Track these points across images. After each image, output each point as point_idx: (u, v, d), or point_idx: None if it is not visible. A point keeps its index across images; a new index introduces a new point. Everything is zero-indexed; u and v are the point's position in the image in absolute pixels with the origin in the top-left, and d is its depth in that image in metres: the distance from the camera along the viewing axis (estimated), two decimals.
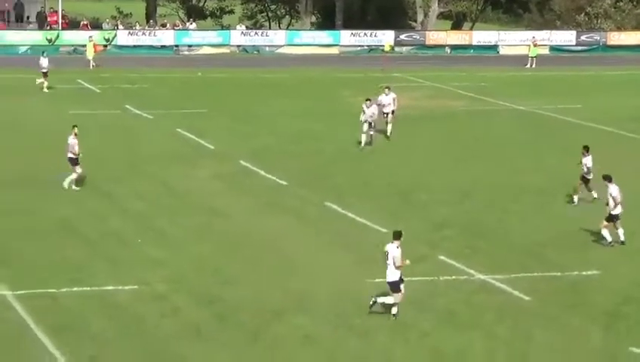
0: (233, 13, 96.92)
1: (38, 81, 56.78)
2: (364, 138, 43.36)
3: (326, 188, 36.89)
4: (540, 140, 46.40)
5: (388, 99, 45.57)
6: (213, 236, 30.99)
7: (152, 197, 35.35)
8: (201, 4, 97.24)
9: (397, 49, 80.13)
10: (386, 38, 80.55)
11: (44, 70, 56.79)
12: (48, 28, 76.74)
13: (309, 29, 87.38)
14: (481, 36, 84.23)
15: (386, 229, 31.68)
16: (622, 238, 30.60)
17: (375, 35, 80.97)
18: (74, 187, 35.59)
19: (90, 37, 69.48)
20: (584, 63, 76.50)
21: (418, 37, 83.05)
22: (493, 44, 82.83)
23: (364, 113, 43.27)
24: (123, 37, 76.77)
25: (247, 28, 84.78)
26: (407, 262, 24.48)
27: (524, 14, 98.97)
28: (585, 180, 34.88)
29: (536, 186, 37.20)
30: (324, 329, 23.88)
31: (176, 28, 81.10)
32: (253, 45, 79.24)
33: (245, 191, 36.64)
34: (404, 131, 46.26)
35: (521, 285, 27.07)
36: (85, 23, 79.98)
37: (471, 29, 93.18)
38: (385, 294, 24.56)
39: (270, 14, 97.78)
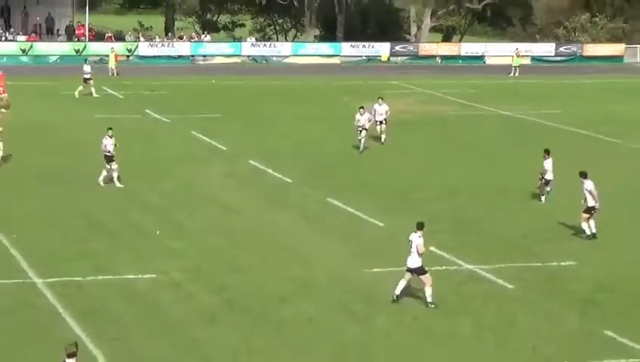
0: (244, 26, 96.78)
1: (78, 89, 56.40)
2: (361, 143, 42.81)
3: (328, 185, 36.80)
4: (524, 143, 46.26)
5: (381, 109, 44.69)
6: (225, 229, 30.91)
7: (169, 193, 35.27)
8: (214, 19, 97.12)
9: (392, 59, 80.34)
10: (382, 49, 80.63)
11: (87, 76, 56.65)
12: (76, 40, 76.66)
13: (313, 41, 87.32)
14: (469, 47, 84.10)
15: (382, 223, 31.70)
16: (594, 231, 30.49)
17: (373, 47, 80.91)
18: (118, 184, 35.42)
19: (112, 48, 69.51)
20: (563, 72, 76.44)
21: (412, 48, 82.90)
22: (480, 54, 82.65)
23: (358, 120, 42.60)
24: (144, 48, 76.72)
25: (256, 40, 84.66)
26: (431, 248, 24.37)
27: (508, 28, 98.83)
28: (546, 181, 34.64)
29: (519, 184, 37.05)
30: (327, 313, 23.80)
31: (192, 40, 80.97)
32: (262, 55, 79.10)
33: (254, 188, 36.55)
34: (399, 134, 46.14)
35: (506, 274, 26.99)
36: (110, 35, 79.84)
37: (460, 41, 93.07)
38: (395, 284, 24.38)
39: (277, 28, 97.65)
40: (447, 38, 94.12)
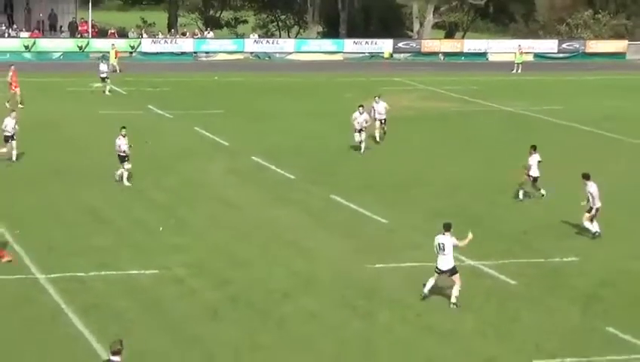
0: (247, 23, 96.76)
1: (95, 85, 56.53)
2: (363, 145, 42.05)
3: (331, 181, 36.76)
4: (526, 139, 46.05)
5: (380, 107, 44.31)
6: (227, 224, 30.89)
7: (172, 189, 35.25)
8: (217, 15, 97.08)
9: (395, 56, 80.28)
10: (385, 46, 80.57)
11: (104, 75, 56.62)
12: (79, 36, 76.64)
13: (316, 38, 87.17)
14: (472, 44, 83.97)
15: (385, 220, 31.66)
16: (598, 230, 30.39)
17: (375, 43, 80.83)
18: (126, 183, 35.16)
19: (113, 44, 69.44)
20: (565, 69, 76.31)
21: (414, 45, 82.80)
22: (482, 51, 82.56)
23: (356, 119, 41.70)
24: (147, 45, 76.68)
25: (259, 36, 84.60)
26: (470, 236, 24.44)
27: (511, 24, 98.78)
28: (534, 179, 34.51)
29: (521, 181, 36.95)
30: (329, 309, 23.79)
31: (195, 36, 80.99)
32: (265, 52, 79.07)
33: (257, 185, 36.52)
34: (401, 131, 46.10)
35: (508, 270, 26.97)
36: (113, 31, 79.85)
37: (462, 37, 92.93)
38: (424, 284, 24.37)
39: (280, 24, 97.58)
40: (449, 35, 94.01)
